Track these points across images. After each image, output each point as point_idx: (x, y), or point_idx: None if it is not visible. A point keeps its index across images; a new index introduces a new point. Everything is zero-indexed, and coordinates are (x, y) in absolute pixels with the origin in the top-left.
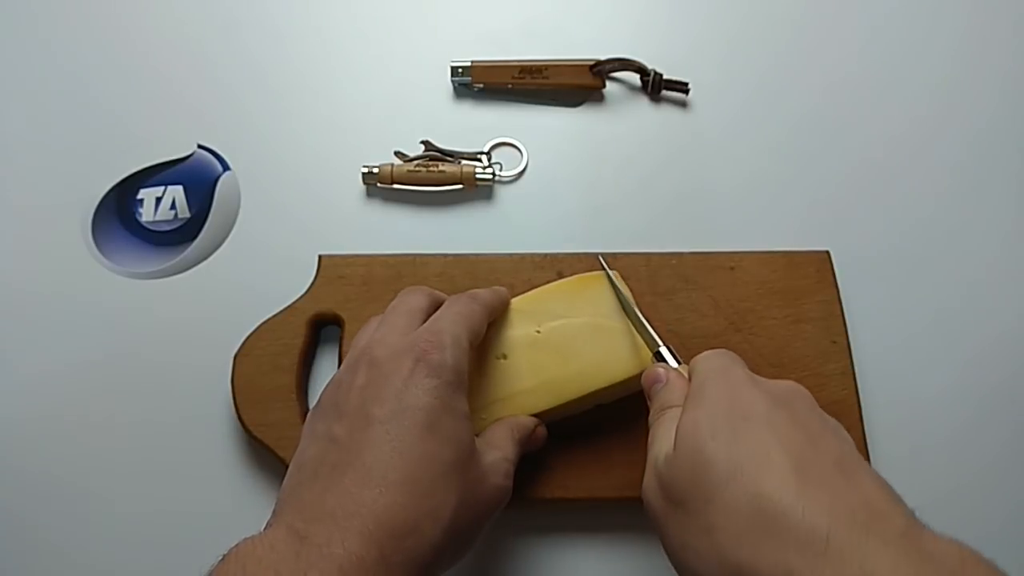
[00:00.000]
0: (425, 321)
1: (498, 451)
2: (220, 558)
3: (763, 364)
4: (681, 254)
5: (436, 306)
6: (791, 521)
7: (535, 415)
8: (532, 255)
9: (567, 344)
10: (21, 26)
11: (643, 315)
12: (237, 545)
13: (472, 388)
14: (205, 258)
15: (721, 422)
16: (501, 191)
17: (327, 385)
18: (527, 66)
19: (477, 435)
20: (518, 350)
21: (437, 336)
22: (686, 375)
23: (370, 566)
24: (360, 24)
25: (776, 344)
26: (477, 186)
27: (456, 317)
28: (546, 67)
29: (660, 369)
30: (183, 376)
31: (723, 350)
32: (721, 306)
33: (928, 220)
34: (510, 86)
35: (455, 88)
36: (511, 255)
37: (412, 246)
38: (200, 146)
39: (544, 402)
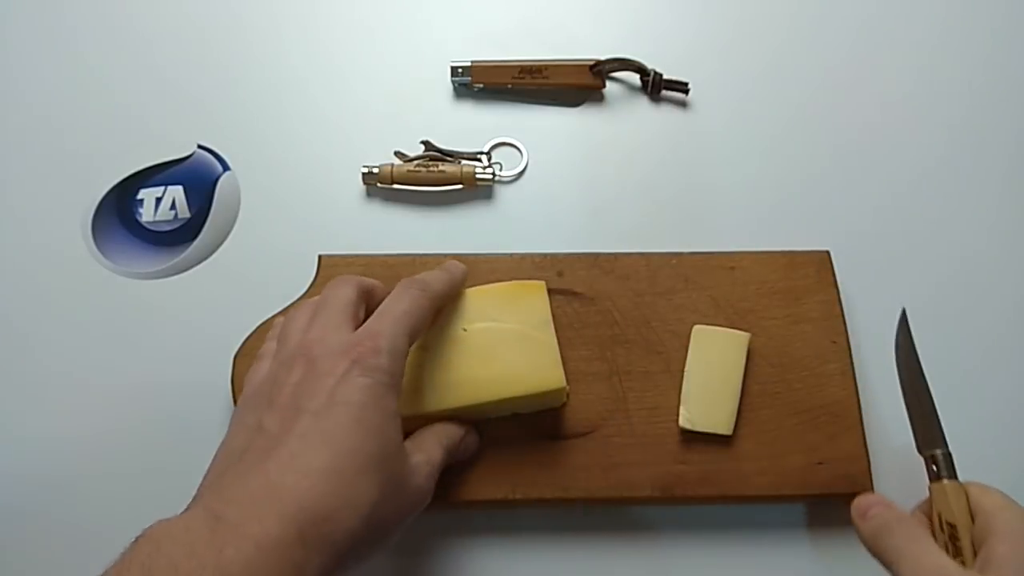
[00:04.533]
0: (358, 313)
1: (423, 454)
2: (135, 539)
3: (763, 364)
4: (681, 254)
5: (367, 295)
6: None
7: (443, 411)
8: (532, 255)
9: (490, 348)
10: (21, 27)
11: None
12: (152, 526)
13: None
14: (205, 258)
15: None
16: (501, 191)
17: (254, 376)
18: (527, 66)
19: (406, 437)
20: (441, 345)
21: (375, 340)
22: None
23: (287, 544)
24: (360, 24)
25: (776, 344)
26: (477, 186)
27: (400, 316)
28: (546, 67)
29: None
30: (183, 376)
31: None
32: (721, 306)
33: (928, 220)
34: (510, 86)
35: (455, 88)
36: (511, 255)
37: (412, 246)
38: (200, 146)
39: (455, 400)
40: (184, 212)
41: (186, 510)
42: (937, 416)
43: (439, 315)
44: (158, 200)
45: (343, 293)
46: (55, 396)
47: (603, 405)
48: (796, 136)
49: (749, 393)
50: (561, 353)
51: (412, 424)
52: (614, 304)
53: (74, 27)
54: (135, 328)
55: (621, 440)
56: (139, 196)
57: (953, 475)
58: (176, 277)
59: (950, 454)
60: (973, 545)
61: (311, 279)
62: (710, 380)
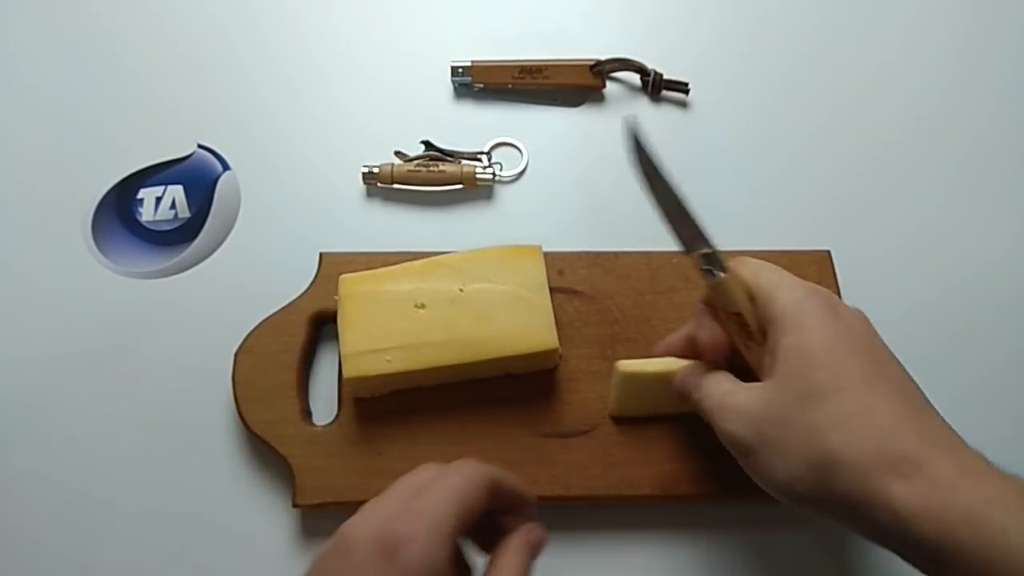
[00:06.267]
0: (469, 511)
1: None
2: None
3: None
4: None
5: (494, 489)
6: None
7: (439, 368)
8: None
9: (485, 308)
10: (21, 26)
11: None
12: None
13: (384, 331)
14: (205, 258)
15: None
16: (501, 191)
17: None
18: (527, 66)
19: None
20: (438, 304)
21: (412, 524)
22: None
23: None
24: (360, 24)
25: None
26: (477, 186)
27: (446, 493)
28: (546, 67)
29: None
30: (183, 375)
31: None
32: None
33: (928, 220)
34: (510, 86)
35: (455, 88)
36: None
37: (412, 246)
38: (200, 146)
39: (450, 358)
40: (184, 212)
41: None
42: (692, 216)
43: (438, 275)
44: (158, 200)
45: (418, 475)
46: (56, 395)
47: (604, 403)
48: (796, 136)
49: None
50: (562, 351)
51: (410, 379)
52: (615, 303)
53: (74, 28)
54: (135, 328)
55: (621, 439)
56: (139, 196)
57: (723, 269)
58: (176, 277)
59: (716, 249)
60: (761, 326)
61: (311, 278)
62: None
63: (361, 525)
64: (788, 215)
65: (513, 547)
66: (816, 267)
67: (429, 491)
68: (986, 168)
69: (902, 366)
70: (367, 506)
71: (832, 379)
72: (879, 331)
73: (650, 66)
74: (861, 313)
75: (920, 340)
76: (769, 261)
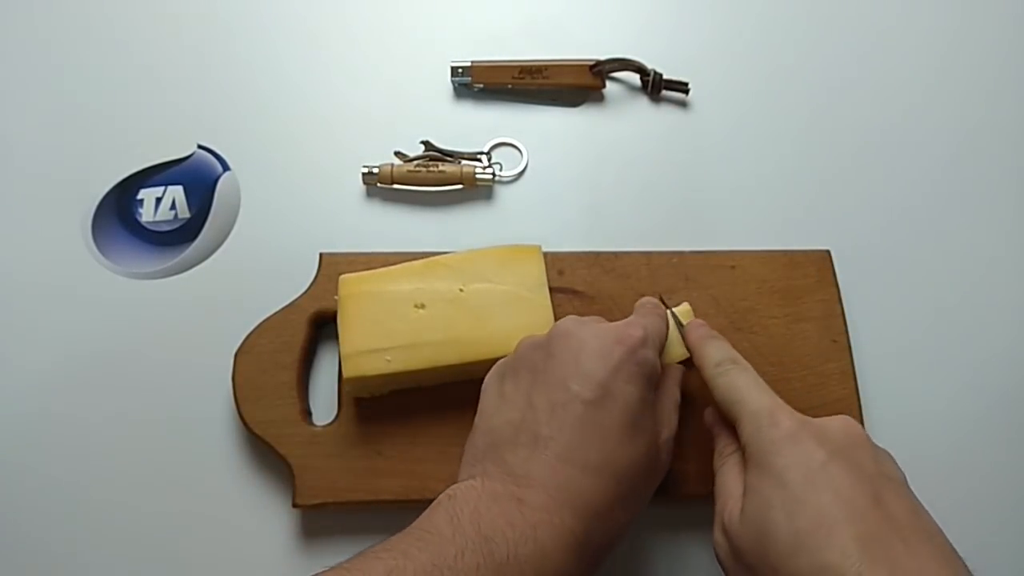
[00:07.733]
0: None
1: (668, 430)
2: (444, 496)
3: (763, 363)
4: (682, 253)
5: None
6: None
7: (439, 368)
8: None
9: (485, 308)
10: (20, 26)
11: None
12: (455, 489)
13: (384, 331)
14: (205, 258)
15: (781, 491)
16: (501, 191)
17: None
18: (527, 66)
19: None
20: (437, 304)
21: (639, 332)
22: None
23: (578, 537)
24: (360, 24)
25: (776, 343)
26: (477, 186)
27: (651, 320)
28: (546, 67)
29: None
30: (183, 375)
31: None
32: (722, 305)
33: (929, 219)
34: (510, 86)
35: (455, 88)
36: None
37: (412, 246)
38: (200, 146)
39: (450, 358)
40: (184, 212)
41: (468, 475)
42: None
43: (438, 275)
44: (158, 200)
45: (653, 316)
46: (55, 395)
47: None
48: (796, 136)
49: None
50: None
51: (410, 379)
52: (615, 303)
53: (74, 27)
54: (135, 328)
55: None
56: (139, 196)
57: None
58: (176, 277)
59: None
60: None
61: (311, 278)
62: None
63: (582, 329)
64: (788, 215)
65: (669, 375)
66: (816, 266)
67: (637, 319)
68: (987, 167)
69: (891, 477)
70: (572, 318)
71: (787, 540)
72: (882, 329)
73: (650, 66)
74: (837, 433)
75: (920, 338)
76: (769, 260)
